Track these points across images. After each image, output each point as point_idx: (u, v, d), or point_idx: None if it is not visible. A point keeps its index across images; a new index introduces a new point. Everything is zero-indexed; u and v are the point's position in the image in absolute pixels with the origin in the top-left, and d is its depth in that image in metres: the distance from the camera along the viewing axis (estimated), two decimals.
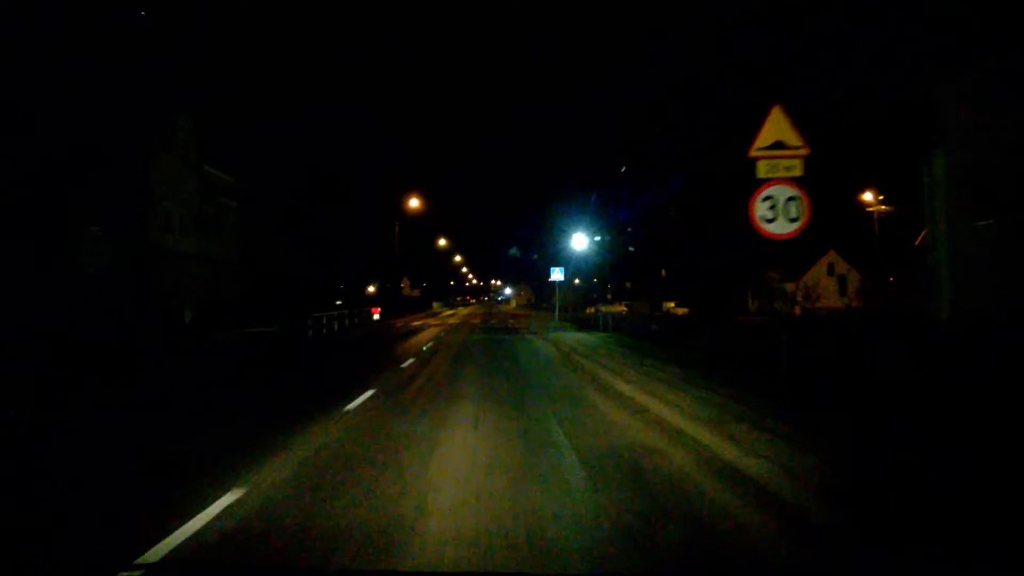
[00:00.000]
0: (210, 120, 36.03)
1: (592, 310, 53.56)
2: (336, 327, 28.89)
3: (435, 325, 34.16)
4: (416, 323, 37.52)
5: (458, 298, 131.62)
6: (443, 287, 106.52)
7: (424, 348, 19.27)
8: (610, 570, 3.45)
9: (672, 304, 60.28)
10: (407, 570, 3.35)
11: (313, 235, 46.04)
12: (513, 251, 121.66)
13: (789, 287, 62.10)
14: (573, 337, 22.94)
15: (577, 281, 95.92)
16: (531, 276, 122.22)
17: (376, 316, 40.38)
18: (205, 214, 32.78)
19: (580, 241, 39.73)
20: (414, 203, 50.25)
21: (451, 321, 39.42)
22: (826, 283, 62.00)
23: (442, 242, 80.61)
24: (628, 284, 57.32)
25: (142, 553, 3.56)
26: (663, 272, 48.05)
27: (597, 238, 42.89)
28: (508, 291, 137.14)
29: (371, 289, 55.37)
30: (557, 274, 30.45)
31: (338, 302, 46.27)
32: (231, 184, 36.17)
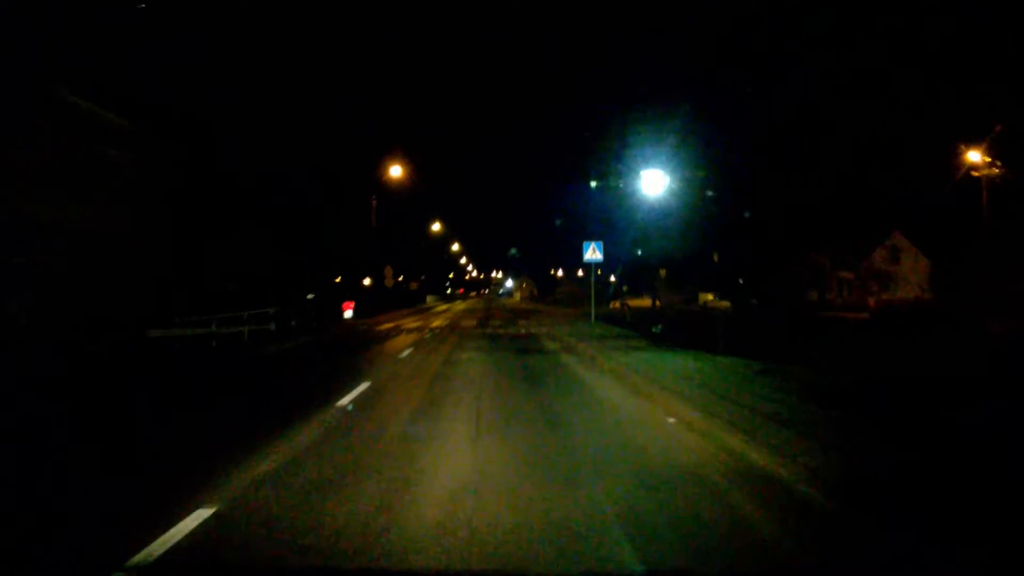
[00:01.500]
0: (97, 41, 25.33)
1: (617, 304, 43.91)
2: (247, 331, 18.69)
3: (412, 329, 23.83)
4: (387, 325, 27.14)
5: (459, 291, 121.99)
6: (440, 278, 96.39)
7: (355, 393, 9.06)
8: None
9: (711, 296, 50.49)
10: (406, 570, 3.20)
11: (272, 209, 35.94)
12: (512, 251, 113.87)
13: (846, 275, 52.47)
14: (656, 365, 12.57)
15: (581, 273, 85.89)
16: (533, 268, 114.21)
17: (348, 312, 32.16)
18: (73, 167, 22.31)
19: (655, 183, 25.25)
20: (396, 171, 39.77)
21: (436, 323, 28.89)
22: (891, 270, 51.72)
23: (436, 227, 70.39)
24: (663, 272, 46.99)
25: None
26: (715, 256, 37.46)
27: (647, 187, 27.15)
28: (510, 284, 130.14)
29: (367, 282, 49.68)
30: (593, 251, 20.07)
31: (310, 296, 38.72)
32: (126, 129, 25.62)
